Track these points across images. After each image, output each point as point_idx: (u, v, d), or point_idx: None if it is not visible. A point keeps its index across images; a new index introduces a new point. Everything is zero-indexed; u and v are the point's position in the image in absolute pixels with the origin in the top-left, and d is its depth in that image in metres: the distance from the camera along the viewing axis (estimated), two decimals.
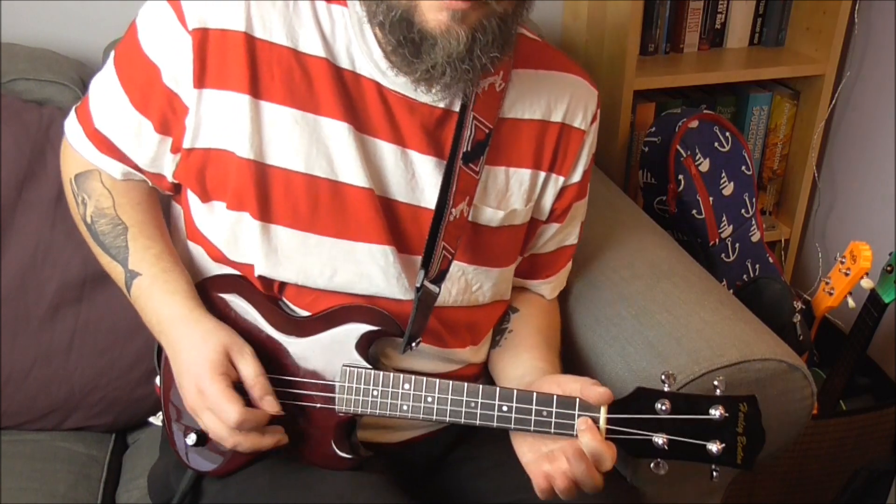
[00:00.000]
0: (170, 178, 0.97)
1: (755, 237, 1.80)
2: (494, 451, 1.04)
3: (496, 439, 1.03)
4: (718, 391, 0.85)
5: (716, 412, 0.82)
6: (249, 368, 0.88)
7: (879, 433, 1.60)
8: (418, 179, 0.94)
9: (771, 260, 1.83)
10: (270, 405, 0.88)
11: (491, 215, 0.99)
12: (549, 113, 1.00)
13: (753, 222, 1.79)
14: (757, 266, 1.81)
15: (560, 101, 1.01)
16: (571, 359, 1.18)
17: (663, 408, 0.83)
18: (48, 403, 1.28)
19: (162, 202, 1.05)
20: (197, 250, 0.99)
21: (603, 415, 0.84)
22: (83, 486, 1.22)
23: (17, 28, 1.49)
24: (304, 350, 0.93)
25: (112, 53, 0.95)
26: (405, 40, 0.82)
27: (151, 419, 1.09)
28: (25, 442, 1.27)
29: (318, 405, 0.92)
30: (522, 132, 0.99)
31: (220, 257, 0.96)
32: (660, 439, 0.83)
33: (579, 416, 0.85)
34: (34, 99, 1.34)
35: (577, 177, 1.05)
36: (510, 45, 0.87)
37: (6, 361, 1.25)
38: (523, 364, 1.01)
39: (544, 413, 0.86)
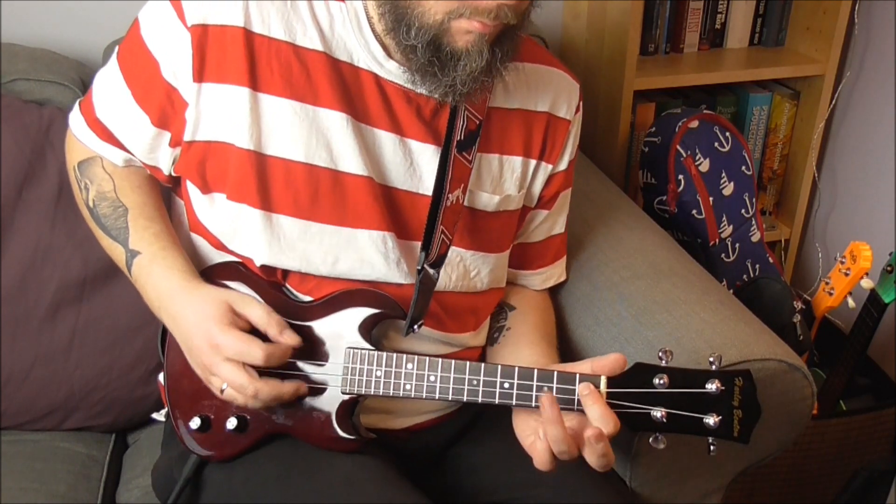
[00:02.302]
0: (166, 172, 0.99)
1: (755, 237, 1.80)
2: (494, 448, 1.05)
3: (496, 436, 1.04)
4: (714, 367, 0.86)
5: (712, 386, 0.84)
6: (258, 310, 0.90)
7: (879, 433, 1.60)
8: (416, 167, 0.97)
9: (771, 260, 1.83)
10: (291, 337, 0.90)
11: (487, 200, 1.02)
12: (535, 103, 1.04)
13: (753, 222, 1.79)
14: (757, 266, 1.81)
15: (545, 93, 1.04)
16: (571, 359, 1.18)
17: (661, 382, 0.85)
18: (48, 403, 1.28)
19: (163, 193, 1.06)
20: (200, 241, 1.01)
21: (603, 388, 0.86)
22: (83, 486, 1.22)
23: (17, 28, 1.50)
24: (308, 334, 0.94)
25: (116, 49, 0.98)
26: (434, 59, 0.86)
27: (154, 415, 1.10)
28: (25, 442, 1.27)
29: (322, 387, 0.94)
30: (511, 121, 1.02)
31: (222, 247, 0.98)
32: (658, 412, 0.85)
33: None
34: (34, 99, 1.34)
35: (563, 165, 1.09)
36: (519, 48, 0.92)
37: (6, 361, 1.25)
38: (524, 360, 1.03)
39: (545, 389, 0.87)
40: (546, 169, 1.07)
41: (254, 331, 0.90)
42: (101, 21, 1.52)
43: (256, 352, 0.87)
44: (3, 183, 1.25)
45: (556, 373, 0.87)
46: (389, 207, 0.96)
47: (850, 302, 1.56)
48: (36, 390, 1.27)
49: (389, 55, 0.93)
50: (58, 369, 1.27)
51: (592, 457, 0.85)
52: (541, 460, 0.87)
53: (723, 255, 1.75)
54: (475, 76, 0.86)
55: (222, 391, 0.90)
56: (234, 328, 0.88)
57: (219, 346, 0.88)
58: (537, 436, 0.88)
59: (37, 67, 1.36)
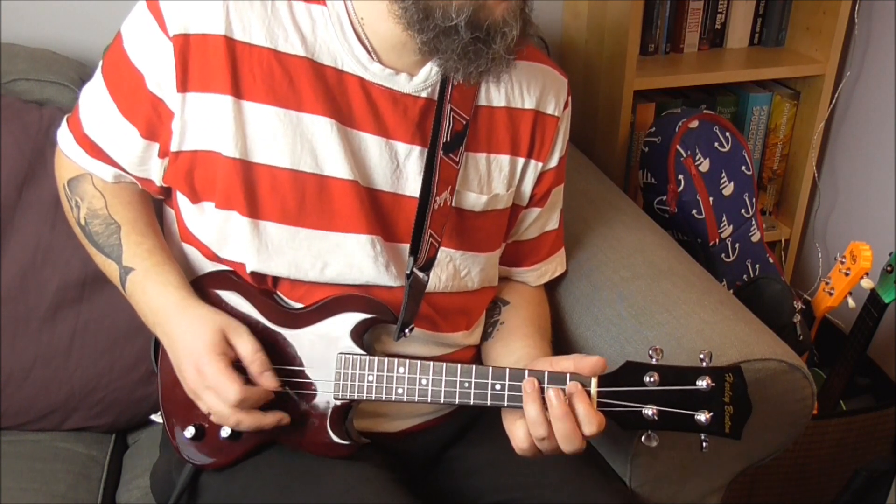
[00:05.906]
0: (158, 183, 0.99)
1: (755, 237, 1.80)
2: (493, 450, 1.05)
3: (494, 437, 1.04)
4: (704, 363, 0.86)
5: (703, 383, 0.85)
6: (247, 346, 0.90)
7: (879, 433, 1.60)
8: (402, 169, 0.97)
9: (771, 260, 1.83)
10: (269, 380, 0.90)
11: (475, 200, 1.01)
12: (522, 101, 1.03)
13: (753, 222, 1.79)
14: (757, 266, 1.81)
15: (531, 90, 1.04)
16: None
17: (652, 380, 0.85)
18: (48, 404, 1.28)
19: (154, 205, 1.06)
20: (191, 251, 1.01)
21: (594, 388, 0.86)
22: (83, 486, 1.22)
23: (17, 28, 1.49)
24: (300, 340, 0.95)
25: (101, 62, 0.98)
26: (478, 35, 0.85)
27: (153, 417, 1.10)
28: (25, 442, 1.27)
29: (316, 393, 0.94)
30: (498, 119, 1.02)
31: (213, 256, 0.98)
32: (649, 410, 0.85)
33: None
34: (34, 99, 1.34)
35: (554, 162, 1.09)
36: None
37: (6, 361, 1.25)
38: (516, 352, 1.03)
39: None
40: (536, 167, 1.07)
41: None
42: (101, 21, 1.52)
43: (231, 392, 0.87)
44: (3, 183, 1.25)
45: (546, 373, 0.87)
46: (376, 211, 0.96)
47: (850, 302, 1.56)
48: (36, 390, 1.27)
49: (374, 58, 0.92)
50: (58, 369, 1.27)
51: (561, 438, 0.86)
52: (518, 439, 0.88)
53: (723, 255, 1.75)
54: (500, 56, 0.86)
55: (209, 414, 0.91)
56: (222, 359, 0.88)
57: (203, 373, 0.88)
58: (519, 418, 0.88)
59: (37, 67, 1.36)
